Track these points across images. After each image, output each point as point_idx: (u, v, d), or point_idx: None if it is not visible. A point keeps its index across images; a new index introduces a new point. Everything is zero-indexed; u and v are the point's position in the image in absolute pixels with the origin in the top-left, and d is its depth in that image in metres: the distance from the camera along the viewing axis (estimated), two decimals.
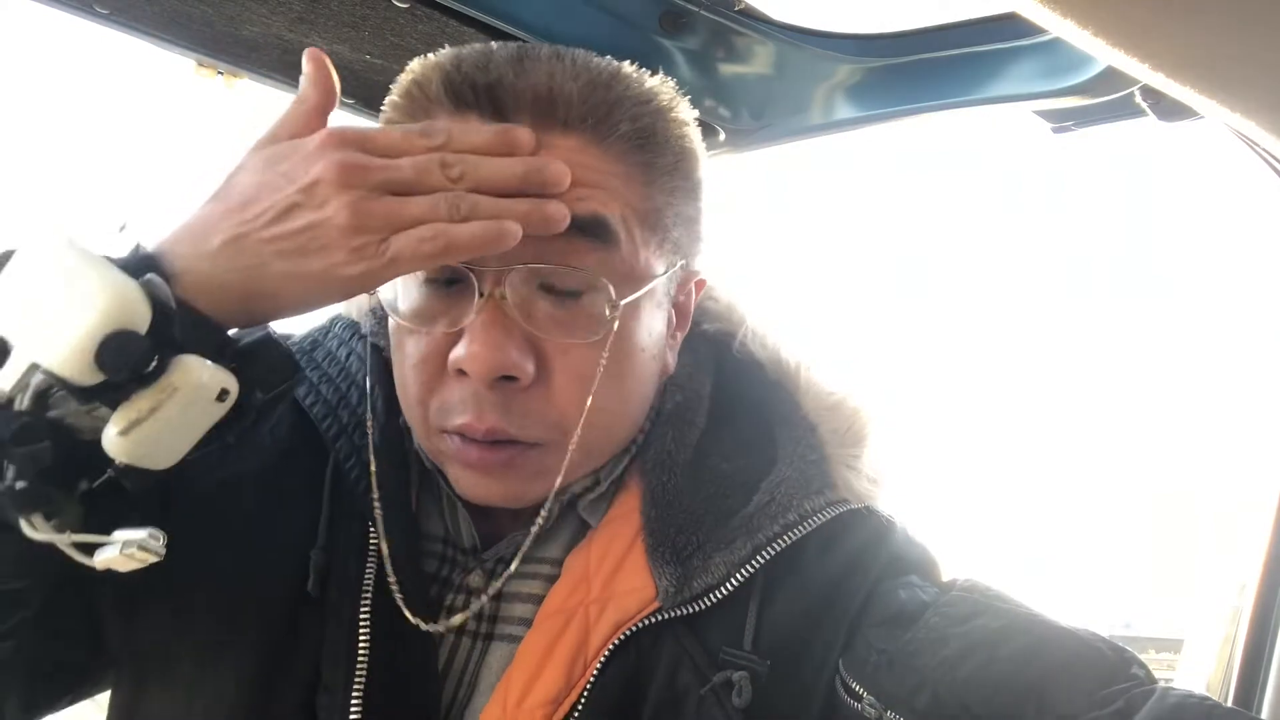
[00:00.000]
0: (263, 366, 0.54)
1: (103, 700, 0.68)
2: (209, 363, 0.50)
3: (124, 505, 0.51)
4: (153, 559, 0.50)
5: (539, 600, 0.63)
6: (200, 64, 0.98)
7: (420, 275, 0.60)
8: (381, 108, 0.65)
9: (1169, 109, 0.78)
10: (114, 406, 0.48)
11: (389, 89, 0.64)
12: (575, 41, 0.65)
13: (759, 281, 0.79)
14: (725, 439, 0.69)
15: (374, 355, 0.69)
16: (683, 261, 0.67)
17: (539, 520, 0.63)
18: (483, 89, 0.58)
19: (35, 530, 0.48)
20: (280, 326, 0.58)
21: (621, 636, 0.60)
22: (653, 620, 0.60)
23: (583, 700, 0.58)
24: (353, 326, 0.72)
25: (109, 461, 0.49)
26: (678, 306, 0.69)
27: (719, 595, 0.60)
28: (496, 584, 0.64)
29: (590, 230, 0.58)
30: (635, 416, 0.67)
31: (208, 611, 0.62)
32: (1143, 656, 0.56)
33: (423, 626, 0.61)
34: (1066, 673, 0.54)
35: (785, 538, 0.62)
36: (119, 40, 0.93)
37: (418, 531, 0.67)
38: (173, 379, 0.48)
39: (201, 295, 0.51)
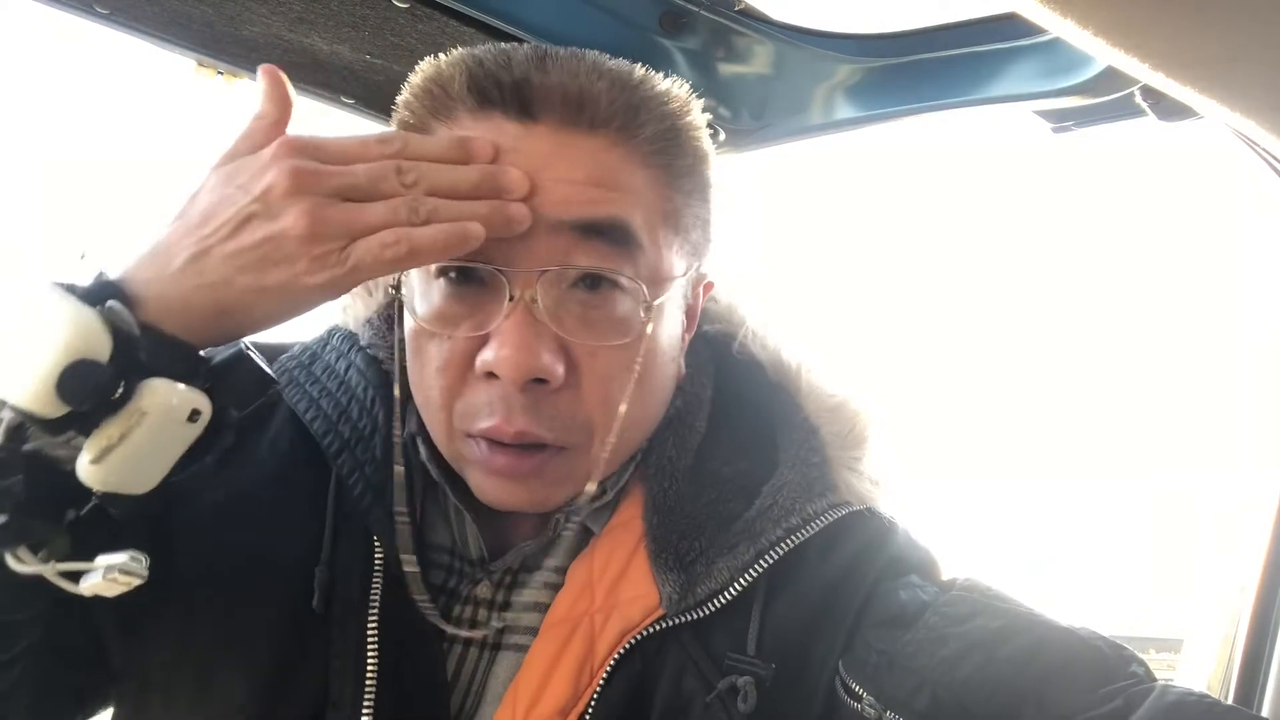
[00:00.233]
0: (236, 383, 0.53)
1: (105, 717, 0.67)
2: (178, 384, 0.49)
3: (115, 531, 0.50)
4: (136, 581, 0.50)
5: (544, 609, 0.63)
6: (200, 64, 0.99)
7: (440, 278, 0.59)
8: (391, 107, 0.65)
9: (1169, 109, 0.78)
10: (87, 435, 0.48)
11: (389, 89, 0.64)
12: (576, 42, 0.64)
13: (758, 282, 0.79)
14: (724, 442, 0.68)
15: (372, 367, 0.68)
16: (697, 263, 0.67)
17: (559, 528, 0.63)
18: (509, 87, 0.58)
19: (21, 563, 0.48)
20: (270, 336, 0.58)
21: (627, 645, 0.60)
22: (657, 627, 0.60)
23: (590, 709, 0.58)
24: (350, 338, 0.72)
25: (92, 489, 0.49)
26: (688, 309, 0.69)
27: (722, 600, 0.60)
28: (507, 595, 0.64)
29: (618, 233, 0.58)
30: (653, 420, 0.66)
31: (210, 629, 0.61)
32: (1143, 656, 0.56)
33: (449, 630, 0.61)
34: (1065, 672, 0.54)
35: (788, 542, 0.62)
36: (119, 40, 0.93)
37: (423, 543, 0.66)
38: (141, 403, 0.48)
39: (168, 317, 0.51)
